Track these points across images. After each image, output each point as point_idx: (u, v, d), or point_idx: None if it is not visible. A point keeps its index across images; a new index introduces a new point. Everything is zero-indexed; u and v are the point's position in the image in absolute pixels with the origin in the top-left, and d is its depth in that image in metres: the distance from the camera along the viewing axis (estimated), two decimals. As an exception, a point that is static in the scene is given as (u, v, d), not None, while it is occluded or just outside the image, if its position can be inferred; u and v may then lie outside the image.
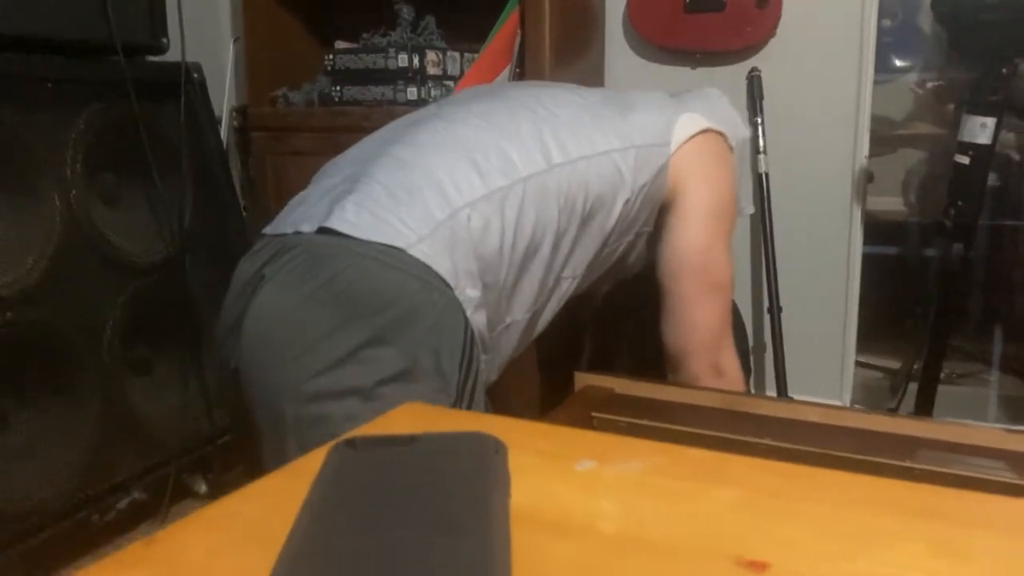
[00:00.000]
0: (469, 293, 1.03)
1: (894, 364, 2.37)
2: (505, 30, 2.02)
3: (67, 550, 1.56)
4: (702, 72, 2.20)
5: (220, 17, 2.58)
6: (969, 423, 1.65)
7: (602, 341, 1.70)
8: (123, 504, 1.69)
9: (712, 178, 1.30)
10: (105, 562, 0.42)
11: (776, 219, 2.14)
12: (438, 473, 0.44)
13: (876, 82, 2.14)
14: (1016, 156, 2.60)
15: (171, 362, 1.86)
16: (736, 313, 1.53)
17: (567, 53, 2.04)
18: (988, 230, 2.62)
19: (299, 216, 1.08)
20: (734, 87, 2.15)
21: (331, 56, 2.12)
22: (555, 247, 1.14)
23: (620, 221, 1.22)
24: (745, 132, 1.50)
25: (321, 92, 2.18)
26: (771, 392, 2.12)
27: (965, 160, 1.68)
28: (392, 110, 2.02)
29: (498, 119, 1.17)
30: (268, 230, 1.11)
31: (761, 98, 2.14)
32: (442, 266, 1.01)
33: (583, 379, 1.30)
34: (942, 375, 1.84)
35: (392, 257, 1.00)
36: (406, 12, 2.14)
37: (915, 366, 1.92)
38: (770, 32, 2.12)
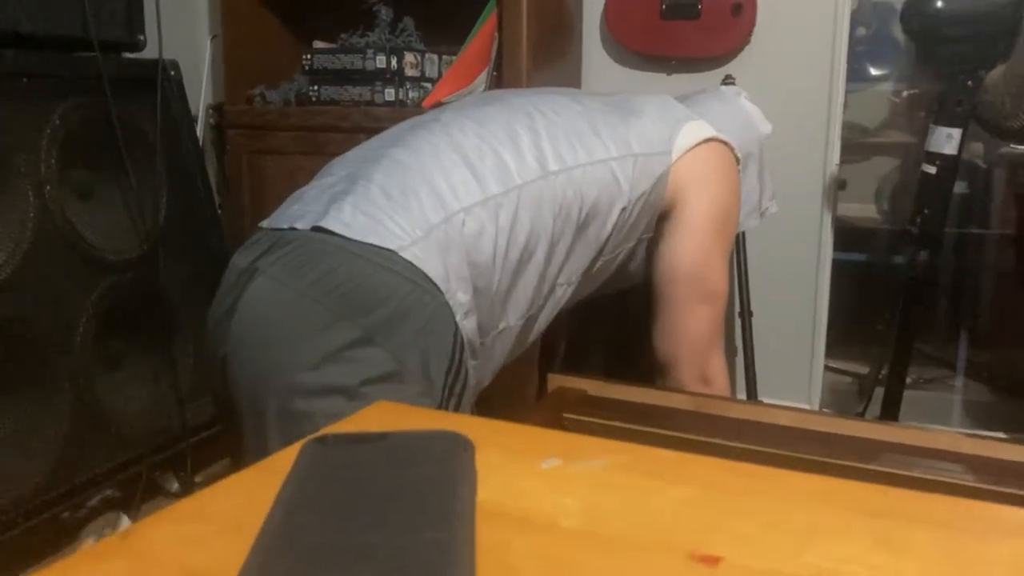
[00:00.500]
0: (460, 298, 1.03)
1: (862, 369, 2.40)
2: (483, 33, 2.03)
3: (37, 547, 1.55)
4: (677, 78, 2.23)
5: (198, 14, 2.57)
6: (932, 427, 1.68)
7: (577, 341, 1.72)
8: (94, 501, 1.68)
9: (713, 189, 1.30)
10: (80, 555, 0.43)
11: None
12: (407, 469, 0.45)
13: (850, 90, 2.17)
14: (983, 165, 2.65)
15: (144, 359, 1.85)
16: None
17: (544, 57, 2.05)
18: (955, 238, 2.67)
19: (295, 212, 1.08)
20: (709, 93, 2.17)
21: (309, 56, 2.13)
22: (549, 254, 1.14)
23: (617, 229, 1.22)
24: (766, 128, 1.48)
25: (298, 91, 2.18)
26: (741, 395, 2.15)
27: (932, 169, 1.71)
28: (369, 111, 2.03)
29: (496, 126, 1.17)
30: (264, 224, 1.11)
31: (735, 105, 2.16)
32: (434, 270, 1.01)
33: (556, 380, 1.31)
34: (909, 380, 1.88)
35: (384, 258, 1.00)
36: (384, 13, 2.14)
37: (882, 371, 1.96)
38: (744, 40, 2.15)
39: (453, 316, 1.02)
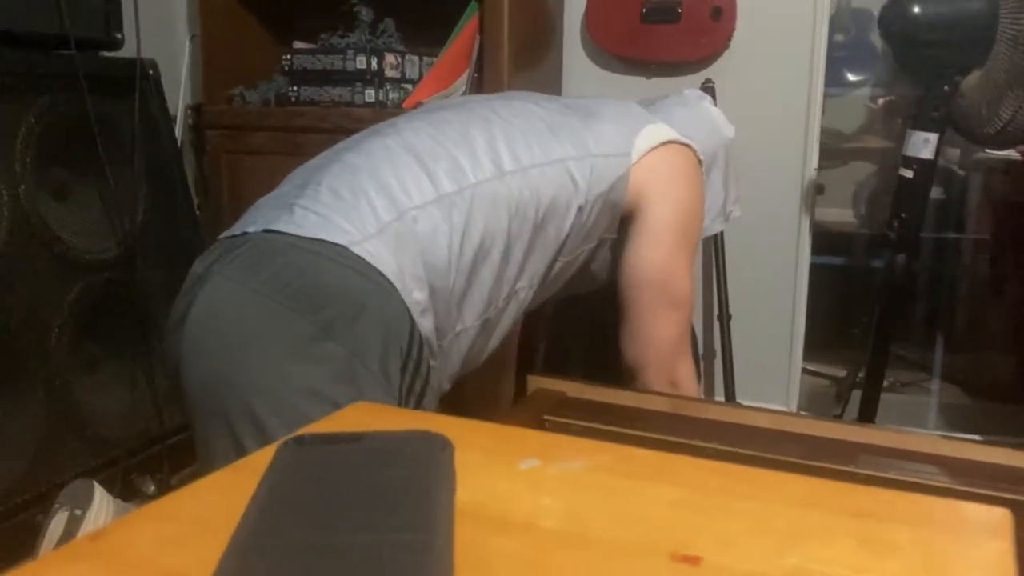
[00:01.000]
0: (416, 296, 1.03)
1: (840, 372, 2.42)
2: (464, 35, 2.03)
3: (10, 550, 1.53)
4: (657, 82, 2.23)
5: (177, 14, 2.55)
6: (908, 430, 1.69)
7: (557, 343, 1.72)
8: (69, 504, 1.66)
9: (675, 192, 1.30)
10: (52, 556, 0.42)
11: (727, 228, 2.17)
12: (384, 470, 0.45)
13: (829, 96, 2.19)
14: (959, 171, 2.68)
15: (120, 361, 1.83)
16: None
17: (525, 59, 2.05)
18: (932, 242, 2.70)
19: (248, 220, 1.08)
20: (689, 97, 2.18)
21: (289, 56, 2.12)
22: (506, 255, 1.14)
23: (575, 228, 1.22)
24: (729, 132, 1.49)
25: (278, 92, 2.17)
26: (720, 397, 2.16)
27: (909, 173, 1.72)
28: (349, 112, 2.02)
29: (452, 129, 1.17)
30: (222, 235, 1.11)
31: (714, 109, 2.17)
32: (387, 266, 1.01)
33: (535, 382, 1.31)
34: (886, 383, 1.89)
35: (336, 253, 1.00)
36: (365, 14, 2.14)
37: (860, 374, 1.97)
38: (724, 44, 2.16)
39: (409, 312, 1.02)
